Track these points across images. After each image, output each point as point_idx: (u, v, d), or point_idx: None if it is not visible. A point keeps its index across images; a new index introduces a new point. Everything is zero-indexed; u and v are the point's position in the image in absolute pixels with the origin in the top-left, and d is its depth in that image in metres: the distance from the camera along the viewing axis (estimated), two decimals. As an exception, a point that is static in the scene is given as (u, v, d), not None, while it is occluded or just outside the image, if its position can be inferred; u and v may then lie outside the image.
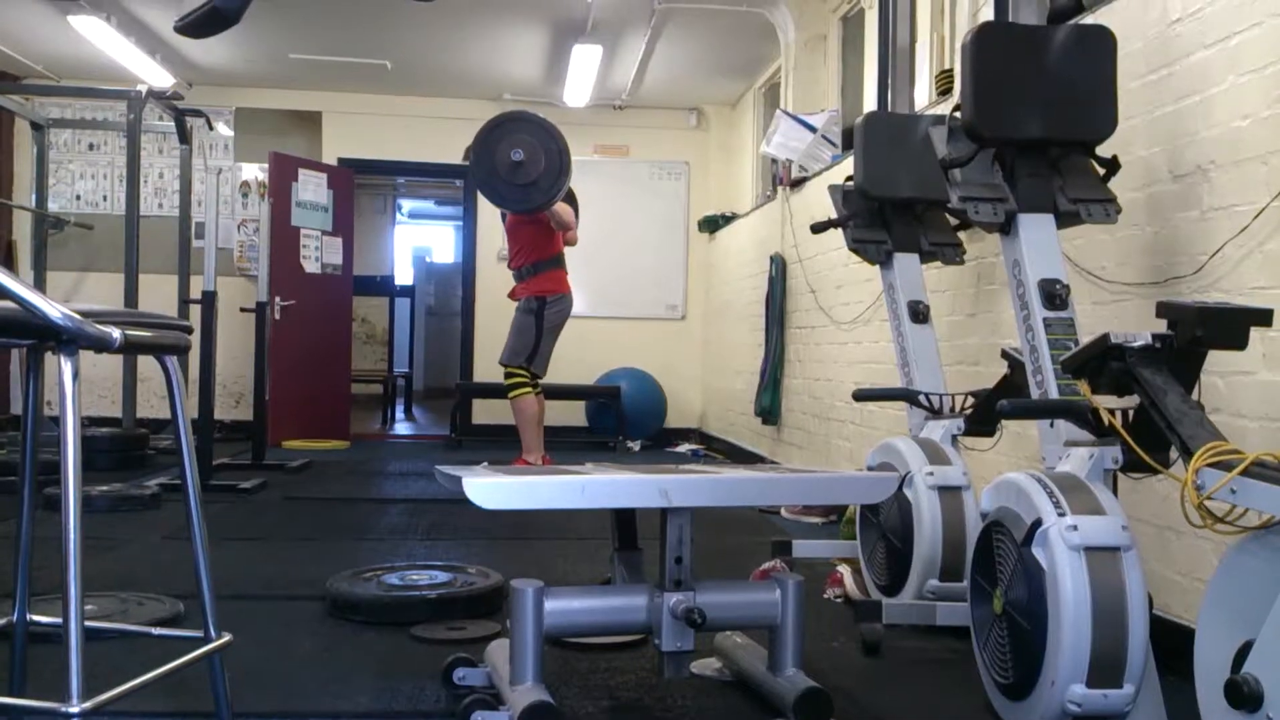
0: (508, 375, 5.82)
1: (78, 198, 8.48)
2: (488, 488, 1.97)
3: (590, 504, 2.07)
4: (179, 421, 1.82)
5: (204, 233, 5.77)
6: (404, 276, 13.73)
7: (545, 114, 8.29)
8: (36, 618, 1.97)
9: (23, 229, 8.08)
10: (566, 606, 2.12)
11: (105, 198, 8.50)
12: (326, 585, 3.07)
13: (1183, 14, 2.62)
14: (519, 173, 5.35)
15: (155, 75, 7.44)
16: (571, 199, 5.89)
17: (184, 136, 6.94)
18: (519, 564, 3.63)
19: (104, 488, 4.78)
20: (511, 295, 5.97)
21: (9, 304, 1.41)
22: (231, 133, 8.63)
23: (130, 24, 6.81)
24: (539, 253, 5.82)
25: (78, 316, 1.42)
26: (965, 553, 2.62)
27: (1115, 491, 2.13)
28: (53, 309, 1.40)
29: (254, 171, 8.61)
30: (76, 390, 1.47)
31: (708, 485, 2.19)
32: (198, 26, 1.54)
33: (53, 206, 7.53)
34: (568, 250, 6.01)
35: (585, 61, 7.15)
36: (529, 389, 5.80)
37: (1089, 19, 2.98)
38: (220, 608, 1.83)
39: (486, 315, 8.63)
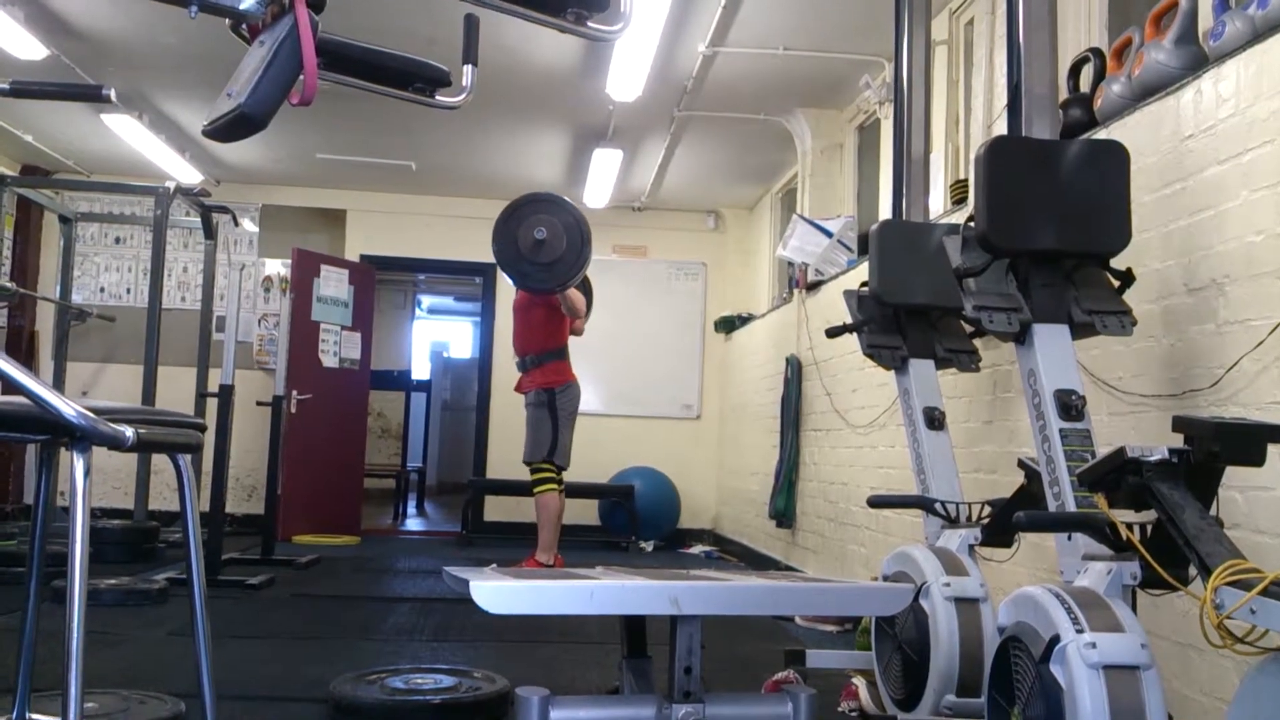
0: (534, 471, 5.81)
1: (101, 290, 8.60)
2: (495, 591, 1.94)
3: (598, 610, 2.03)
4: (188, 521, 1.82)
5: (224, 326, 5.82)
6: (421, 371, 13.80)
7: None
8: (36, 716, 1.94)
9: (45, 320, 8.18)
10: (572, 717, 2.08)
11: (129, 290, 8.62)
12: (329, 687, 3.02)
13: (1195, 130, 2.65)
14: (542, 251, 5.41)
15: (184, 172, 7.60)
16: (588, 289, 5.94)
17: (209, 232, 7.05)
18: (526, 667, 3.57)
19: (112, 581, 4.75)
20: (518, 388, 5.99)
21: (24, 400, 1.42)
22: (256, 229, 8.78)
23: (162, 122, 6.99)
24: (547, 342, 5.85)
25: (92, 415, 1.43)
26: (983, 667, 2.56)
27: (1134, 607, 2.08)
28: (67, 407, 1.41)
29: (277, 267, 8.73)
30: (88, 487, 1.47)
31: (719, 593, 2.15)
32: (226, 130, 1.57)
33: (76, 298, 7.63)
34: (574, 343, 6.04)
35: (606, 165, 7.27)
36: (555, 485, 5.77)
37: (1102, 134, 3.02)
38: (222, 708, 1.80)
39: (501, 411, 8.64)
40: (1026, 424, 2.54)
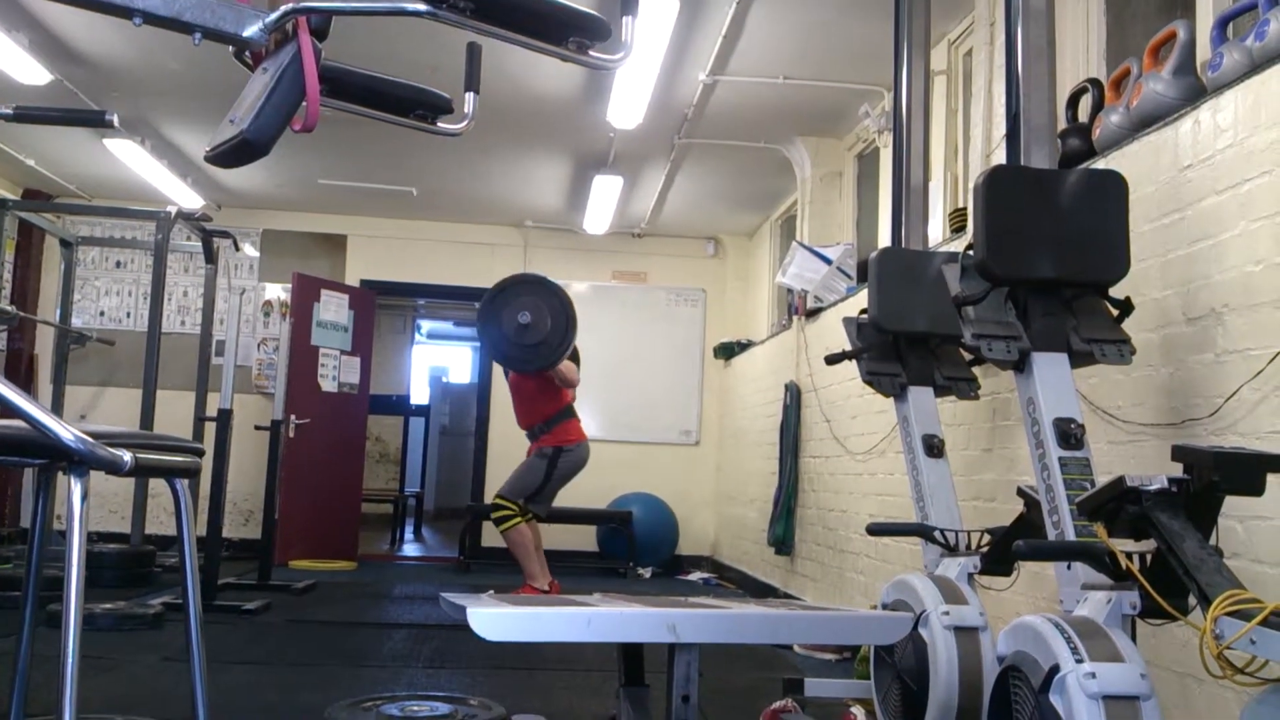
0: (495, 508, 5.76)
1: (101, 314, 8.61)
2: (492, 618, 1.94)
3: (596, 637, 2.03)
4: (185, 545, 1.81)
5: (224, 350, 5.82)
6: (420, 396, 13.79)
7: (565, 241, 8.54)
8: (28, 743, 1.93)
9: (45, 344, 8.18)
10: (570, 745, 2.07)
11: (129, 314, 8.63)
12: (325, 714, 3.00)
13: (1194, 160, 2.66)
14: (527, 334, 5.46)
15: (185, 197, 7.63)
16: (574, 355, 5.94)
17: (210, 256, 7.07)
18: (523, 695, 3.55)
19: (107, 605, 4.73)
20: (531, 451, 5.96)
21: (22, 424, 1.42)
22: (257, 253, 8.80)
23: (164, 148, 7.01)
24: (548, 408, 5.87)
25: (89, 439, 1.43)
26: (982, 696, 2.55)
27: (1134, 637, 2.08)
28: (65, 431, 1.41)
29: (277, 291, 8.74)
30: (84, 512, 1.47)
31: (716, 621, 2.15)
32: (228, 157, 1.57)
33: (76, 322, 7.63)
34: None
35: (606, 191, 7.30)
36: (517, 519, 5.73)
37: (1101, 164, 3.04)
38: (215, 737, 1.79)
39: (500, 436, 8.62)
40: (1026, 452, 2.54)
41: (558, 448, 5.79)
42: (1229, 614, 1.69)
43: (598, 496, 8.31)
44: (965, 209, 4.20)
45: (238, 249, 7.85)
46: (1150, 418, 2.77)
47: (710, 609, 2.23)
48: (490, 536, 8.52)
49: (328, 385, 8.03)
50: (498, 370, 8.94)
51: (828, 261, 5.73)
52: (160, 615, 4.73)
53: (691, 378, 9.01)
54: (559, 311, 5.51)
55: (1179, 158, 2.72)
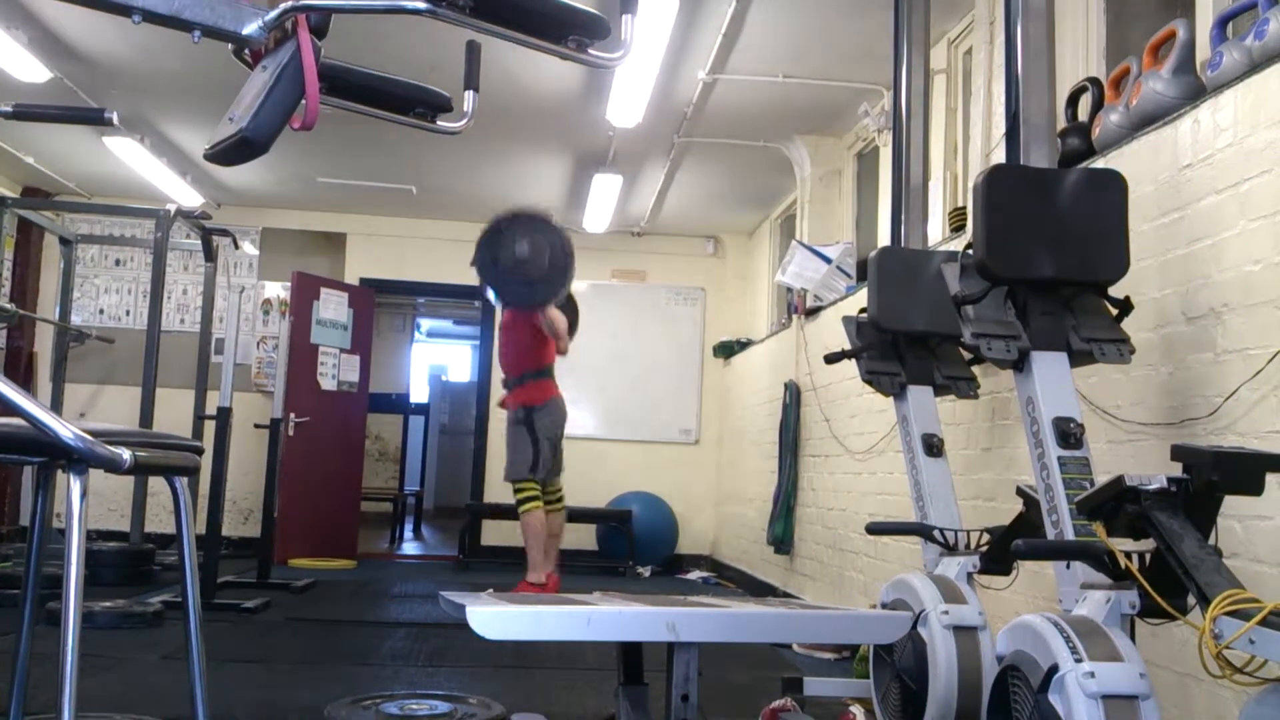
0: (516, 490, 5.75)
1: (101, 312, 8.61)
2: (492, 617, 1.94)
3: (595, 636, 2.03)
4: (184, 543, 1.81)
5: (223, 349, 5.82)
6: (419, 394, 13.79)
7: (564, 239, 8.52)
8: (27, 741, 1.93)
9: (44, 342, 8.18)
10: (569, 743, 2.07)
11: (128, 312, 8.63)
12: (324, 713, 3.00)
13: (1193, 159, 2.66)
14: (524, 269, 5.35)
15: (185, 195, 7.62)
16: (573, 308, 5.91)
17: (210, 255, 7.06)
18: (522, 694, 3.55)
19: (107, 604, 4.73)
20: (502, 404, 5.98)
21: (21, 422, 1.42)
22: (257, 252, 8.79)
23: (163, 146, 7.01)
24: (528, 362, 5.82)
25: (89, 437, 1.43)
26: (981, 696, 2.55)
27: (1133, 637, 2.08)
28: (64, 429, 1.41)
29: (277, 290, 8.74)
30: (84, 510, 1.47)
31: (716, 620, 2.15)
32: (227, 155, 1.57)
33: (76, 320, 7.63)
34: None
35: (606, 190, 7.30)
36: (538, 502, 5.72)
37: (1100, 163, 3.04)
38: (214, 736, 1.79)
39: (500, 435, 8.56)
40: (1025, 451, 2.53)
41: (528, 407, 5.76)
42: (1228, 613, 1.69)
43: (597, 495, 8.32)
44: (965, 208, 4.20)
45: (237, 247, 7.85)
46: (1149, 417, 2.77)
47: (709, 608, 2.23)
48: (489, 535, 8.54)
49: (327, 384, 8.03)
50: (498, 369, 8.94)
51: (827, 260, 5.73)
52: (159, 613, 4.73)
53: (691, 376, 9.00)
54: (559, 249, 5.40)
55: (1178, 157, 2.72)
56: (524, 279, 5.38)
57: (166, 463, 1.73)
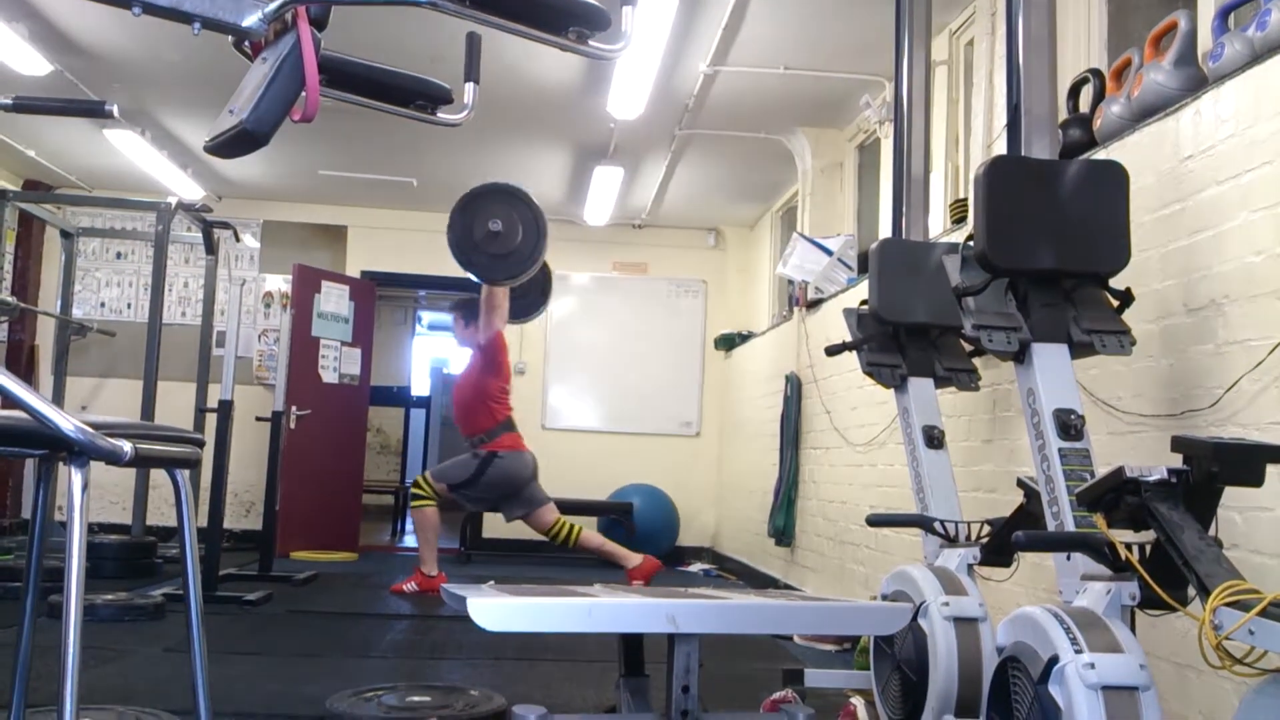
0: (416, 486, 5.96)
1: (102, 305, 8.61)
2: (492, 608, 1.95)
3: (596, 628, 2.04)
4: (186, 536, 1.81)
5: (224, 342, 5.82)
6: (421, 387, 13.79)
7: (566, 231, 8.52)
8: (30, 732, 1.93)
9: (46, 335, 8.19)
10: (570, 734, 2.07)
11: (129, 305, 8.63)
12: (326, 705, 3.01)
13: (1195, 151, 2.66)
14: (496, 242, 5.32)
15: (186, 188, 7.62)
16: (546, 274, 5.97)
17: (211, 247, 7.06)
18: (524, 686, 3.56)
19: (109, 596, 4.73)
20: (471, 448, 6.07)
21: (22, 414, 1.42)
22: (258, 245, 8.79)
23: (164, 138, 7.01)
24: (484, 419, 5.98)
25: (89, 429, 1.43)
26: (981, 687, 2.55)
27: (1133, 628, 2.08)
28: (65, 421, 1.41)
29: (278, 282, 8.74)
30: (85, 502, 1.47)
31: (716, 611, 2.15)
32: (227, 147, 1.57)
33: (77, 313, 7.63)
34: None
35: (607, 182, 7.29)
36: (430, 501, 5.92)
37: (1101, 154, 3.03)
38: (216, 727, 1.79)
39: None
40: (1026, 443, 2.54)
41: (492, 453, 5.91)
42: (1228, 605, 1.70)
43: (598, 488, 8.32)
44: (966, 200, 4.19)
45: (238, 240, 7.85)
46: (1150, 409, 2.77)
47: (710, 599, 2.23)
48: (491, 528, 8.54)
49: (328, 376, 8.03)
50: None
51: (828, 253, 5.73)
52: (161, 606, 4.74)
53: (692, 369, 9.00)
54: (531, 222, 5.35)
55: (1180, 148, 2.72)
56: (495, 253, 5.35)
57: (168, 455, 1.73)
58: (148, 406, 6.05)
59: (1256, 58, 2.47)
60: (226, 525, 6.01)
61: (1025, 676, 2.06)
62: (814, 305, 6.00)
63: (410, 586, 5.90)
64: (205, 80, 5.83)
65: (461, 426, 6.11)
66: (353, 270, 8.72)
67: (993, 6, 4.30)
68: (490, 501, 6.09)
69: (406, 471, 12.11)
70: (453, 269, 8.73)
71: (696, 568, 8.20)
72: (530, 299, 6.27)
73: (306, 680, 3.57)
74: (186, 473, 1.80)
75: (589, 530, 5.99)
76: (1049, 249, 2.41)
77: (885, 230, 5.26)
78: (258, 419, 6.85)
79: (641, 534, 8.11)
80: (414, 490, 5.96)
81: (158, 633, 4.37)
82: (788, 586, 6.26)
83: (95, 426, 1.45)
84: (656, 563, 5.93)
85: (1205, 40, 2.79)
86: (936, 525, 3.17)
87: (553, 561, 7.72)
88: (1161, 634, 2.53)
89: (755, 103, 6.02)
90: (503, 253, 5.33)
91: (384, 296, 10.70)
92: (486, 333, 5.98)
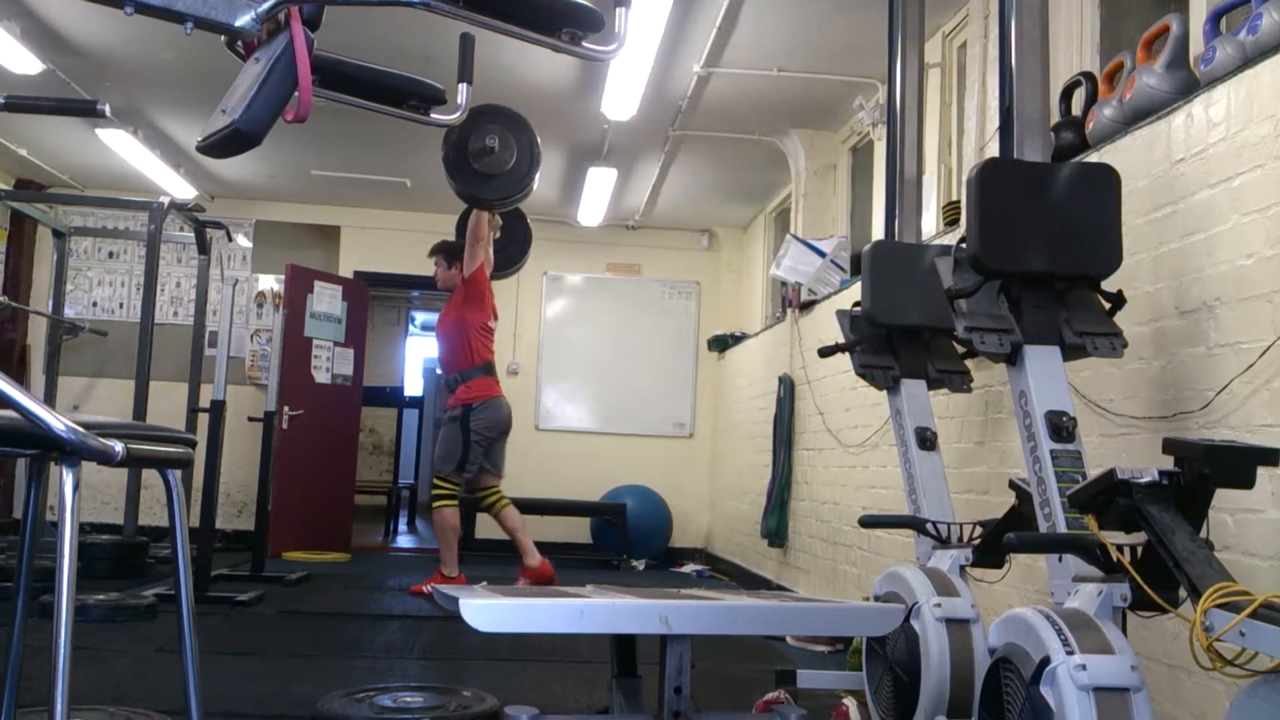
0: (434, 486, 5.86)
1: (94, 304, 8.59)
2: (485, 609, 1.94)
3: (588, 629, 2.04)
4: (178, 536, 1.81)
5: (217, 342, 5.81)
6: (413, 388, 13.78)
7: (560, 232, 8.52)
8: (21, 733, 1.93)
9: (38, 334, 8.16)
10: (562, 735, 2.07)
11: (121, 305, 8.61)
12: (318, 705, 3.00)
13: (1186, 154, 2.66)
14: (488, 160, 5.21)
15: (178, 187, 7.61)
16: (525, 230, 6.07)
17: (203, 247, 7.05)
18: (516, 686, 3.56)
19: (100, 596, 4.72)
20: (442, 408, 6.02)
21: (14, 414, 1.42)
22: (250, 244, 8.78)
23: (156, 138, 6.99)
24: (464, 358, 5.87)
25: (81, 429, 1.42)
26: (973, 688, 2.56)
27: (1124, 629, 2.09)
28: (56, 421, 1.41)
29: (270, 282, 8.73)
30: (76, 502, 1.47)
31: (709, 612, 2.16)
32: (220, 147, 1.57)
33: (69, 313, 7.62)
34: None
35: (600, 183, 7.29)
36: (451, 501, 5.82)
37: (1094, 157, 3.04)
38: (208, 728, 1.79)
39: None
40: (1018, 445, 2.54)
41: (465, 405, 5.81)
42: (1219, 606, 1.70)
43: (591, 488, 8.32)
44: (959, 202, 4.20)
45: (230, 240, 7.84)
46: (1142, 411, 2.77)
47: (703, 600, 2.24)
48: (483, 528, 8.52)
49: (321, 377, 8.02)
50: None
51: (821, 254, 5.74)
52: (153, 606, 4.72)
53: (685, 370, 9.01)
54: (526, 146, 5.26)
55: (1172, 151, 2.72)
56: (485, 172, 5.25)
57: (160, 455, 1.72)
58: (140, 406, 6.04)
59: (1248, 61, 2.47)
60: (218, 525, 6.00)
61: (1017, 677, 2.07)
62: (807, 307, 6.00)
63: (430, 588, 5.87)
64: (198, 80, 5.82)
65: (441, 365, 6.06)
66: (345, 270, 8.71)
67: (986, 9, 4.31)
68: (495, 456, 5.95)
69: (399, 472, 12.10)
70: (446, 269, 8.79)
71: (689, 569, 8.20)
72: (512, 250, 6.27)
73: (298, 681, 3.57)
74: (178, 473, 1.80)
75: (516, 512, 5.90)
76: (1041, 251, 2.42)
77: (878, 232, 5.27)
78: (250, 419, 6.85)
79: (634, 535, 8.11)
80: (433, 491, 5.85)
81: (149, 633, 4.35)
82: (780, 587, 6.26)
83: (87, 426, 1.45)
84: (552, 571, 5.87)
85: (1197, 43, 2.80)
86: (929, 526, 3.18)
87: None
88: (1153, 635, 2.54)
89: (749, 104, 6.03)
90: (495, 171, 5.23)
91: (377, 297, 10.69)
92: (470, 265, 5.96)
